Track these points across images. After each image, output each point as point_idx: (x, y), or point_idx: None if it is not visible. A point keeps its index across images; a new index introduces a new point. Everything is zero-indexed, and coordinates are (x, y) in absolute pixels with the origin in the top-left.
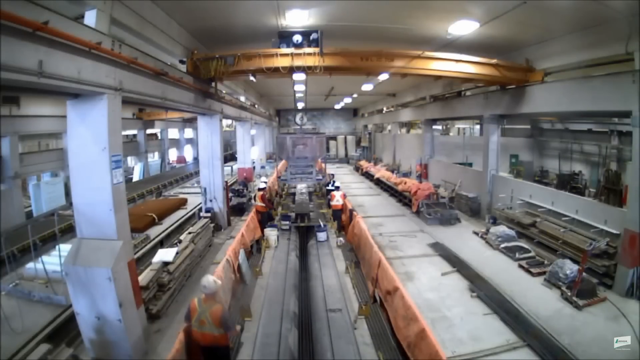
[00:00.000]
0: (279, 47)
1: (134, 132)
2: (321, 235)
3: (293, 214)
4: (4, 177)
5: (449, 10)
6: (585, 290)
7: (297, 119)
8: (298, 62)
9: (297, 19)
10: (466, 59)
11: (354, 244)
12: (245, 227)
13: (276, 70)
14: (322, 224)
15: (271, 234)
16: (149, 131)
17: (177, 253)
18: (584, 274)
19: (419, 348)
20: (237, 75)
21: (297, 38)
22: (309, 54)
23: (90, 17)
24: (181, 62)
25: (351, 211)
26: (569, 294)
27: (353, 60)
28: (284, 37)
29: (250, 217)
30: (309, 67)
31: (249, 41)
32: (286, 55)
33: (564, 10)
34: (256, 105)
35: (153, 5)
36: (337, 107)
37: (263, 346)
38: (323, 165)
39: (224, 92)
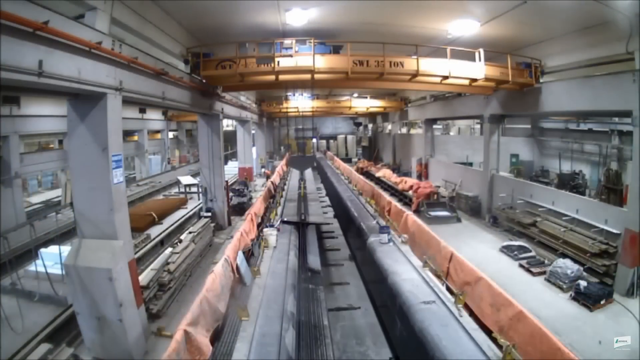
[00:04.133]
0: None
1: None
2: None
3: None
4: (4, 177)
5: (449, 9)
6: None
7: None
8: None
9: (297, 18)
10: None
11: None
12: (244, 227)
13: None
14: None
15: (270, 234)
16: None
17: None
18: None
19: (515, 329)
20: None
21: None
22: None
23: (91, 17)
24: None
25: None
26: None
27: (339, 81)
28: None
29: (249, 218)
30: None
31: (250, 40)
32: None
33: (564, 11)
34: (255, 105)
35: (153, 5)
36: None
37: (260, 346)
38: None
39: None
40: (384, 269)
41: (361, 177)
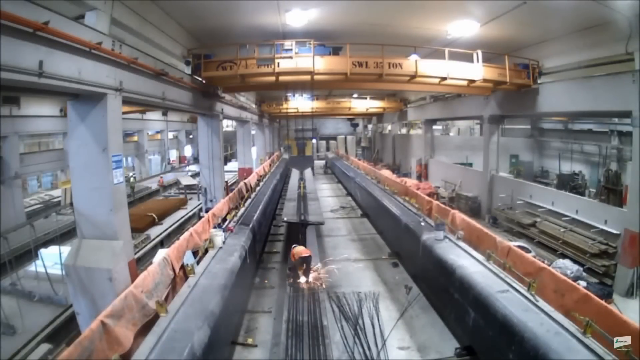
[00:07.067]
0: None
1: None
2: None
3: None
4: (4, 177)
5: (449, 10)
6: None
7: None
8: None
9: (296, 19)
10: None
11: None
12: (196, 227)
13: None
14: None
15: (216, 234)
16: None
17: None
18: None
19: (582, 310)
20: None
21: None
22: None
23: (91, 18)
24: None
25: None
26: None
27: (338, 82)
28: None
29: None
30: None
31: (250, 41)
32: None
33: (564, 11)
34: (255, 106)
35: (153, 6)
36: None
37: (168, 341)
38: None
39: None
40: (449, 264)
41: (391, 176)
